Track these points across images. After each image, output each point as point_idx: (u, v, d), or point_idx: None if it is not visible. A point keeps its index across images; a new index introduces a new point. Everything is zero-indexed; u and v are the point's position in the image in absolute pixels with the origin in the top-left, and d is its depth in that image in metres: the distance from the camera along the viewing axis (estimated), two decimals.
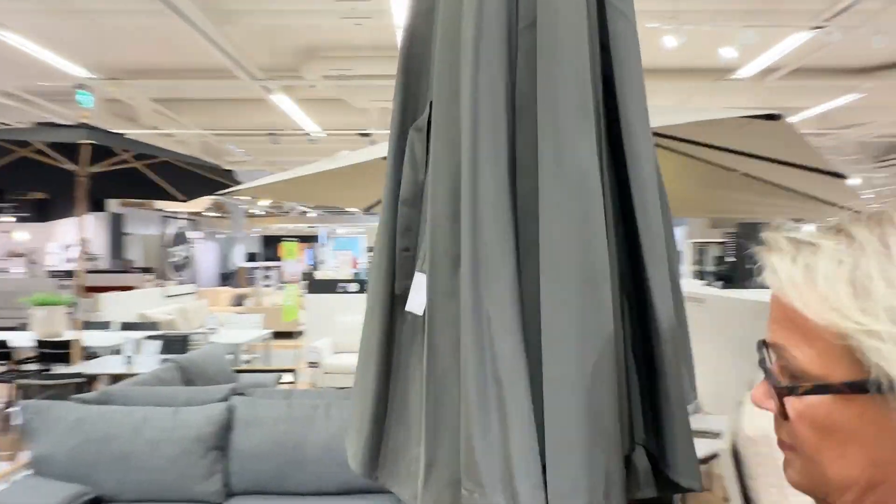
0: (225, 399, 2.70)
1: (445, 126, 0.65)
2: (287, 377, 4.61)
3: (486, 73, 0.60)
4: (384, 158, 3.55)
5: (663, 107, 3.09)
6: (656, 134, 3.33)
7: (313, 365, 5.71)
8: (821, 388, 0.37)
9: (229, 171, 4.52)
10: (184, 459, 2.47)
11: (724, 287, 4.50)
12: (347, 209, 21.09)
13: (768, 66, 7.11)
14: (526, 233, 0.60)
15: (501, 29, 0.62)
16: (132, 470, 2.42)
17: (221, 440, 2.57)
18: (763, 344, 0.43)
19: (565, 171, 0.57)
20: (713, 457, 3.44)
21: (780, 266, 0.38)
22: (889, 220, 0.35)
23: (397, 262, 0.71)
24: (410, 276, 0.70)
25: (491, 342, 0.56)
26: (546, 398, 0.55)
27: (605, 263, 0.56)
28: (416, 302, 0.68)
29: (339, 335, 6.18)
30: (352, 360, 5.78)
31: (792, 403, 0.40)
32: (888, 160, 10.87)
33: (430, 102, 0.71)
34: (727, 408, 4.70)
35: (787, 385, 0.40)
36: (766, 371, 0.42)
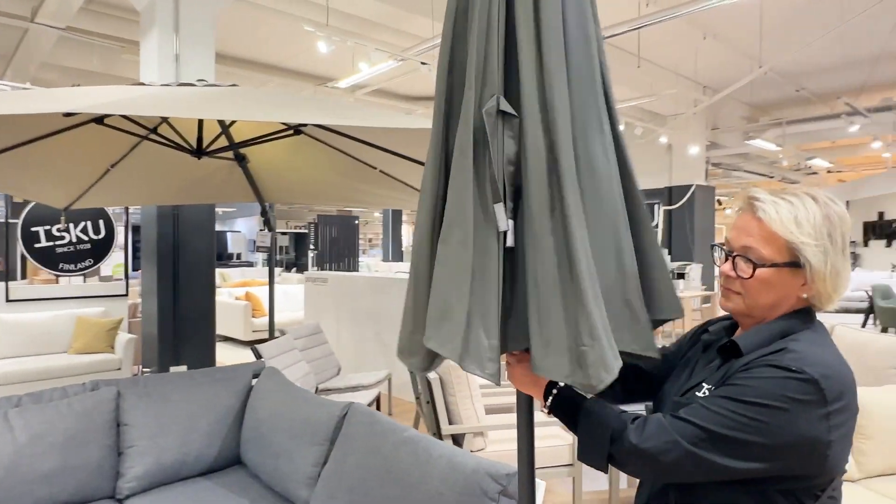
0: None
1: (538, 117, 0.99)
2: None
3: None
4: (98, 121, 3.01)
5: (343, 104, 3.49)
6: (322, 127, 3.77)
7: None
8: (775, 265, 0.94)
9: None
10: None
11: (288, 271, 5.21)
12: None
13: (358, 83, 8.47)
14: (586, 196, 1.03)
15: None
16: None
17: None
18: (722, 246, 0.99)
19: (591, 165, 1.03)
20: (376, 400, 4.15)
21: (767, 208, 0.93)
22: (805, 194, 0.95)
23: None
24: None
25: (588, 261, 0.97)
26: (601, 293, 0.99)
27: (619, 210, 1.04)
28: (510, 240, 0.99)
29: None
30: None
31: (759, 272, 0.94)
32: None
33: (497, 97, 0.98)
34: (363, 363, 5.56)
35: (760, 263, 0.93)
36: (735, 260, 0.96)
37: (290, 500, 2.23)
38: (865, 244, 15.23)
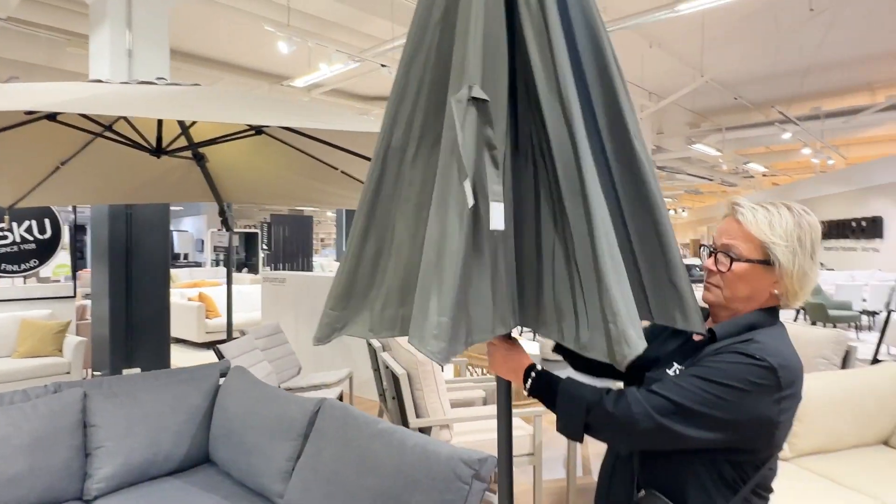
0: None
1: (558, 111, 1.01)
2: None
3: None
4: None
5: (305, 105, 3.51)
6: (284, 127, 3.81)
7: None
8: (750, 261, 1.07)
9: None
10: None
11: (239, 271, 5.17)
12: None
13: (316, 83, 8.44)
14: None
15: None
16: None
17: None
18: (709, 246, 1.13)
19: (621, 152, 1.06)
20: (339, 398, 4.20)
21: (746, 213, 1.07)
22: (781, 204, 1.08)
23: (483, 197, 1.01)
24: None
25: (610, 241, 0.98)
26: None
27: (656, 197, 1.04)
28: (498, 222, 1.00)
29: None
30: None
31: (736, 266, 1.07)
32: None
33: (469, 87, 1.00)
34: (322, 362, 5.57)
35: (737, 258, 1.07)
36: (716, 255, 1.09)
37: (264, 495, 2.28)
38: None
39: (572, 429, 1.06)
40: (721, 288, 1.11)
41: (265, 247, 13.56)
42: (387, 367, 3.13)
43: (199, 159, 4.46)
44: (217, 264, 20.33)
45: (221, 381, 2.84)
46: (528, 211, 1.14)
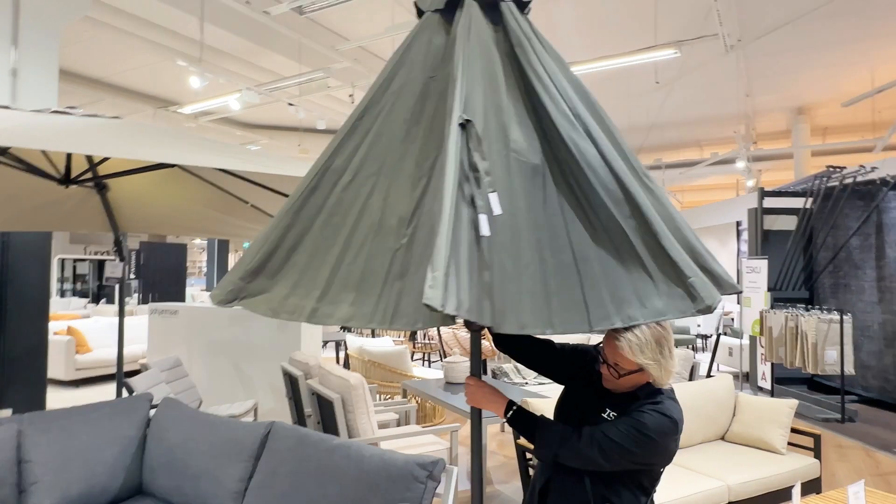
0: None
1: (588, 142, 1.29)
2: None
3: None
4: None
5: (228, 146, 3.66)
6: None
7: None
8: (631, 372, 1.49)
9: None
10: None
11: (96, 303, 5.00)
12: None
13: (204, 111, 8.30)
14: None
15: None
16: None
17: None
18: (604, 359, 1.54)
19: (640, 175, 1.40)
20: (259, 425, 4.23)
21: (623, 343, 1.46)
22: (653, 330, 1.50)
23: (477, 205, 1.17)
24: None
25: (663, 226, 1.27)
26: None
27: (669, 207, 1.37)
28: (485, 229, 1.16)
29: None
30: None
31: (622, 378, 1.50)
32: None
33: (466, 120, 1.22)
34: (220, 395, 5.46)
35: (622, 372, 1.49)
36: (608, 365, 1.51)
37: None
38: None
39: (546, 454, 1.50)
40: (613, 382, 1.56)
41: (133, 275, 12.63)
42: (313, 394, 3.33)
43: (101, 188, 4.37)
44: (63, 295, 18.28)
45: (152, 412, 2.87)
46: (572, 228, 1.30)
